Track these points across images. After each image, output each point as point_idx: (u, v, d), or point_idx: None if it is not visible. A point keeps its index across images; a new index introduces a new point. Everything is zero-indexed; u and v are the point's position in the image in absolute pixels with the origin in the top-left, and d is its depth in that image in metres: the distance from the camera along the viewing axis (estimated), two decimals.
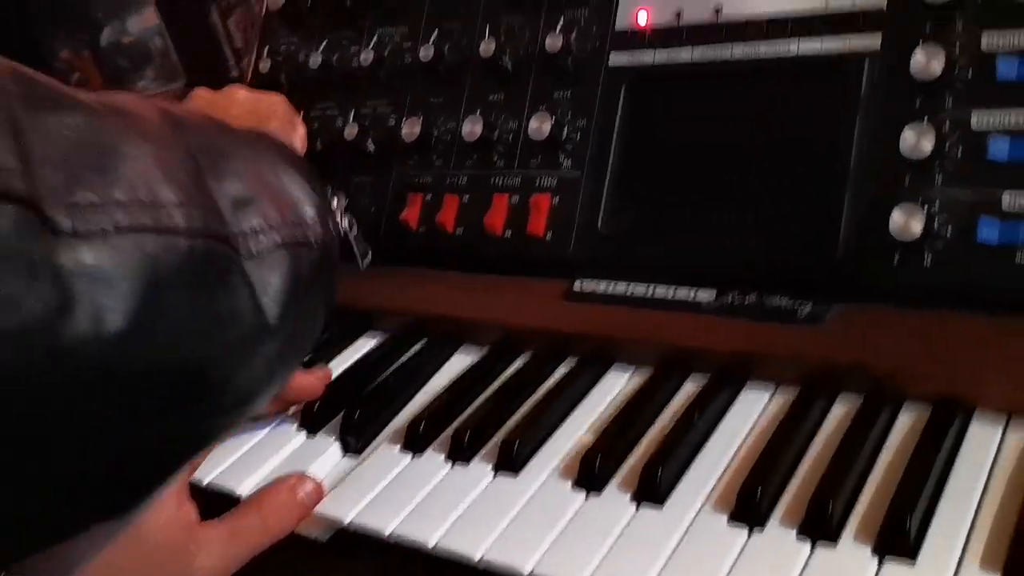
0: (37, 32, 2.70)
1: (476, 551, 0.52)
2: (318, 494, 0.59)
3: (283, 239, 0.42)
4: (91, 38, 3.16)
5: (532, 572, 0.50)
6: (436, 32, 0.81)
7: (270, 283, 0.40)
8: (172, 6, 3.22)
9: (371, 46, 0.84)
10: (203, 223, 0.38)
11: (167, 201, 0.36)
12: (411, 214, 0.80)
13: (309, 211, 0.45)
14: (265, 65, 0.90)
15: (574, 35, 0.74)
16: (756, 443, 0.55)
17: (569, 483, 0.56)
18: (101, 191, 0.34)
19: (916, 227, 0.56)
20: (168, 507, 0.52)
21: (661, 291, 0.66)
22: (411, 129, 0.80)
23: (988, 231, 0.55)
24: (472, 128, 0.77)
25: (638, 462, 0.55)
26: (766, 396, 0.59)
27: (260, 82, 0.92)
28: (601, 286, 0.69)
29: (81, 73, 3.12)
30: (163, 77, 3.54)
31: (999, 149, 0.55)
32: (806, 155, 0.63)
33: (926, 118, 0.58)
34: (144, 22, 3.33)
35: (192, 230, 0.37)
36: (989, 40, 0.57)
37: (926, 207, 0.57)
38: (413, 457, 0.61)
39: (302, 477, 0.60)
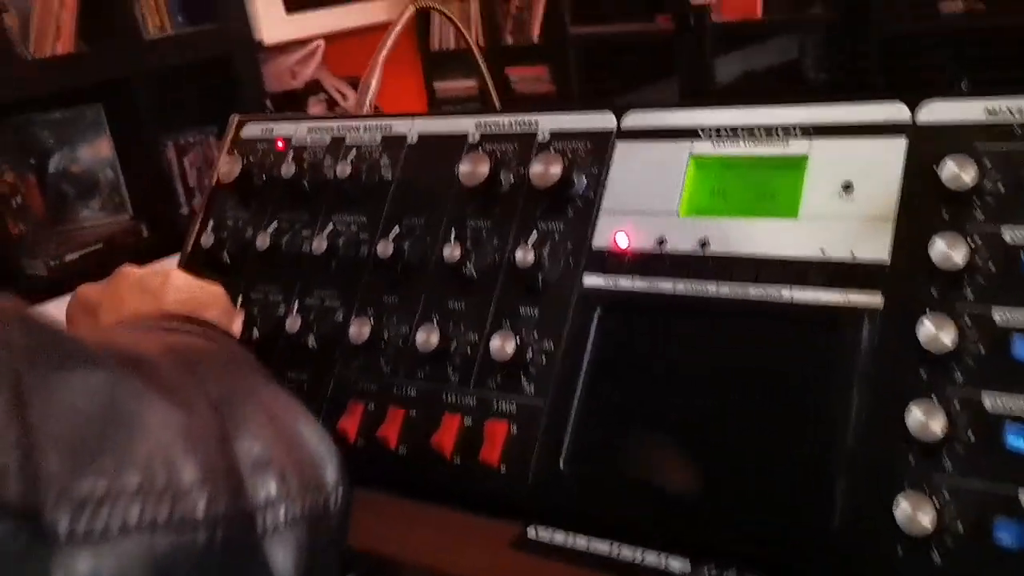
0: None
1: None
2: None
3: (302, 511, 0.40)
4: (38, 163, 3.09)
5: None
6: (397, 228, 0.75)
7: (286, 562, 0.38)
8: (127, 139, 3.18)
9: (325, 233, 0.78)
10: (224, 504, 0.35)
11: (187, 483, 0.34)
12: (350, 423, 0.72)
13: (331, 474, 0.43)
14: (208, 239, 0.83)
15: (547, 249, 0.69)
16: None
17: None
18: (112, 476, 0.32)
19: (924, 520, 0.50)
20: None
21: (627, 552, 0.58)
22: (359, 329, 0.73)
23: (1005, 534, 0.48)
24: (427, 337, 0.70)
25: None
26: None
27: (201, 256, 0.85)
28: (558, 536, 0.61)
29: (24, 198, 3.04)
30: (108, 209, 3.46)
31: (1017, 439, 0.50)
32: (797, 413, 0.57)
33: (934, 395, 0.52)
34: (96, 152, 3.28)
35: (212, 518, 0.34)
36: (1003, 316, 0.53)
37: (935, 497, 0.51)
38: None
39: None
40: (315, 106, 3.41)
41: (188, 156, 3.13)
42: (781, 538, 0.55)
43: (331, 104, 3.41)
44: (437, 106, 3.48)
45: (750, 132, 0.64)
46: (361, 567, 0.65)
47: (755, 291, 0.61)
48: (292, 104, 3.28)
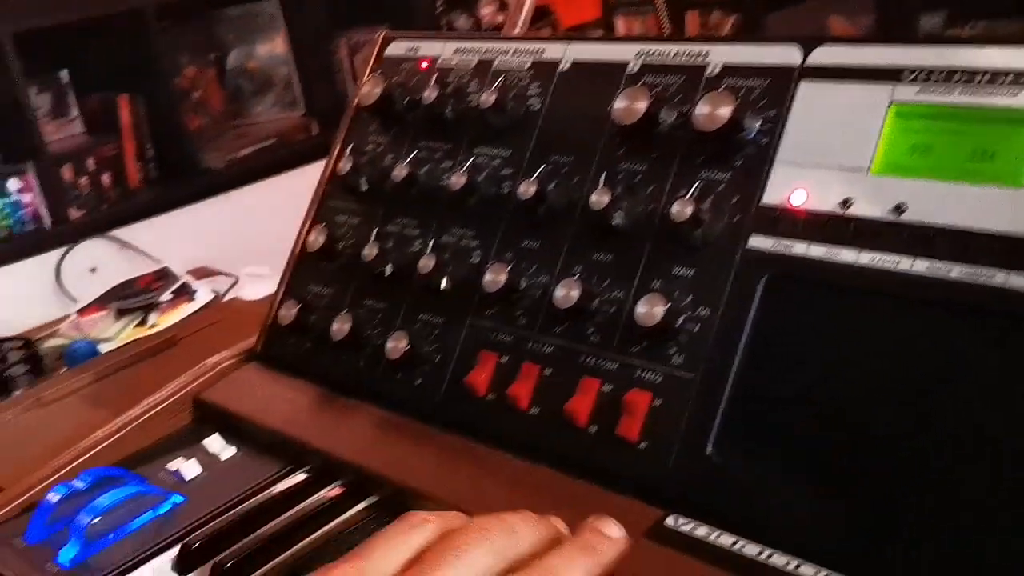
0: (160, 46, 2.70)
1: None
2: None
3: None
4: (217, 59, 3.17)
5: None
6: (543, 167, 0.68)
7: None
8: (302, 37, 3.21)
9: (465, 167, 0.72)
10: None
11: None
12: (480, 376, 0.67)
13: None
14: (346, 165, 0.78)
15: (708, 202, 0.60)
16: None
17: None
18: None
19: None
20: None
21: (780, 560, 0.51)
22: (496, 275, 0.67)
23: None
24: (567, 292, 0.63)
25: None
26: None
27: (338, 182, 0.80)
28: (700, 531, 0.54)
29: (203, 92, 3.13)
30: (281, 105, 3.53)
31: None
32: (1001, 429, 0.47)
33: None
34: (272, 49, 3.33)
35: None
36: None
37: None
38: None
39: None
40: (487, 5, 3.33)
41: (359, 54, 3.13)
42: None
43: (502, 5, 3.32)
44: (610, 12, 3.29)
45: (969, 77, 0.53)
46: None
47: (959, 271, 0.50)
48: (462, 4, 3.21)
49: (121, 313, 2.49)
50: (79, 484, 0.70)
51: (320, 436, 0.71)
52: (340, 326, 0.74)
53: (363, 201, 0.79)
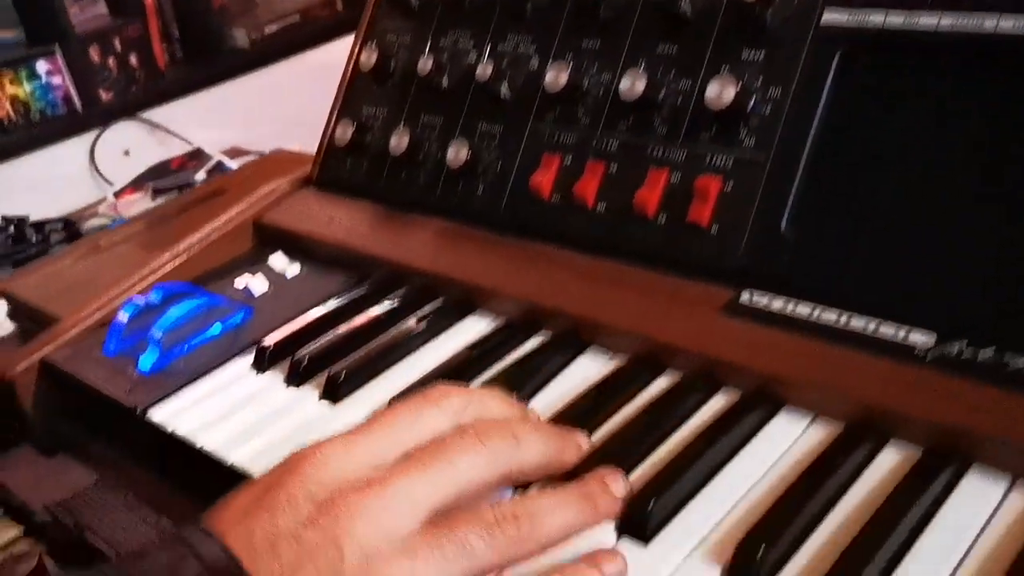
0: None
1: None
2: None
3: None
4: None
5: None
6: None
7: None
8: None
9: None
10: None
11: None
12: (544, 179, 0.66)
13: None
14: None
15: None
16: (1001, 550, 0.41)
17: (717, 571, 0.42)
18: None
19: None
20: None
21: (858, 323, 0.51)
22: (557, 76, 0.66)
23: None
24: (633, 84, 0.62)
25: (823, 554, 0.42)
26: (999, 490, 0.44)
27: (385, 2, 0.79)
28: (777, 303, 0.54)
29: None
30: None
31: None
32: None
33: None
34: None
35: None
36: None
37: None
38: None
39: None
40: None
41: None
42: None
43: None
44: None
45: None
46: (557, 328, 0.61)
47: None
48: None
49: (157, 194, 2.50)
50: (152, 297, 0.71)
51: (385, 246, 0.72)
52: (399, 141, 0.74)
53: (414, 17, 0.78)
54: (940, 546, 0.42)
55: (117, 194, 2.48)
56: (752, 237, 0.57)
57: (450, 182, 0.72)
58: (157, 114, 2.69)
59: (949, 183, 0.51)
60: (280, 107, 2.50)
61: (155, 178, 2.51)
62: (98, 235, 1.08)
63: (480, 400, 0.48)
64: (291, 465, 0.42)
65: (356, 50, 0.80)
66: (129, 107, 2.59)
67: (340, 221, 0.76)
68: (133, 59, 2.64)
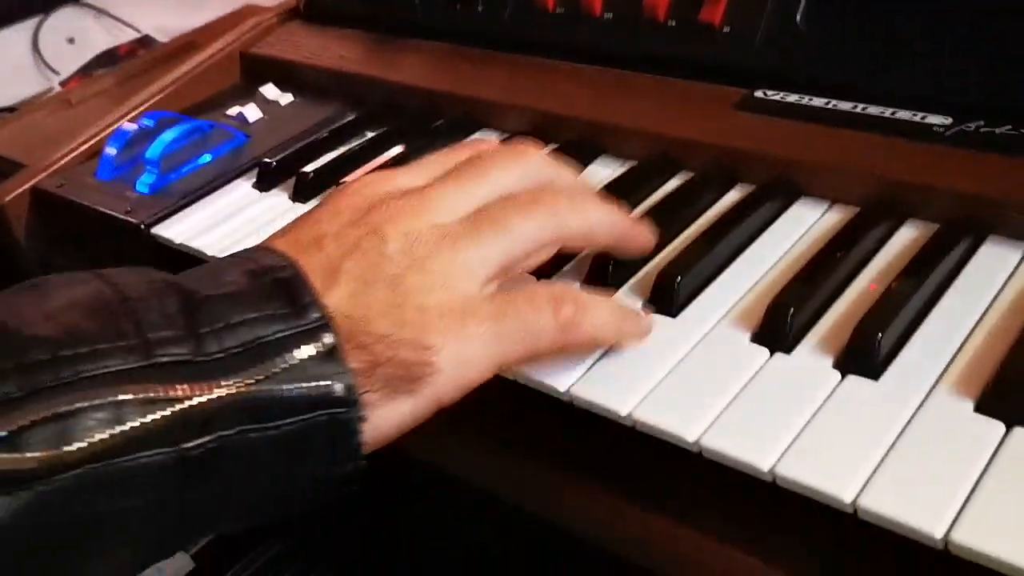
0: None
1: (623, 407, 0.40)
2: None
3: None
4: None
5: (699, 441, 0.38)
6: None
7: None
8: None
9: None
10: None
11: None
12: None
13: None
14: None
15: None
16: (1007, 321, 0.42)
17: (746, 335, 0.43)
18: None
19: None
20: None
21: (875, 110, 0.51)
22: None
23: None
24: None
25: (841, 322, 0.43)
26: (1016, 256, 0.45)
27: None
28: (792, 97, 0.54)
29: None
30: None
31: None
32: None
33: None
34: None
35: None
36: None
37: None
38: None
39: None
40: None
41: None
42: None
43: None
44: None
45: None
46: (571, 137, 0.61)
47: None
48: None
49: None
50: (145, 122, 0.69)
51: (381, 69, 0.70)
52: None
53: None
54: (959, 307, 0.43)
55: (63, 83, 2.39)
56: (766, 34, 0.56)
57: (448, 3, 0.70)
58: (102, 0, 2.59)
59: None
60: None
61: (103, 66, 2.42)
62: (66, 91, 1.04)
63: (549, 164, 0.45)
64: (338, 189, 0.42)
65: None
66: None
67: (332, 49, 0.74)
68: None
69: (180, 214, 0.61)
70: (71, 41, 2.54)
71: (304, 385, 0.33)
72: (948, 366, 0.39)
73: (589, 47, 0.63)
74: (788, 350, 0.42)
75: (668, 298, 0.45)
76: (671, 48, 0.60)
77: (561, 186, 0.44)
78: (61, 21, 2.51)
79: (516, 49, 0.66)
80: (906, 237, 0.48)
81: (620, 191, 0.55)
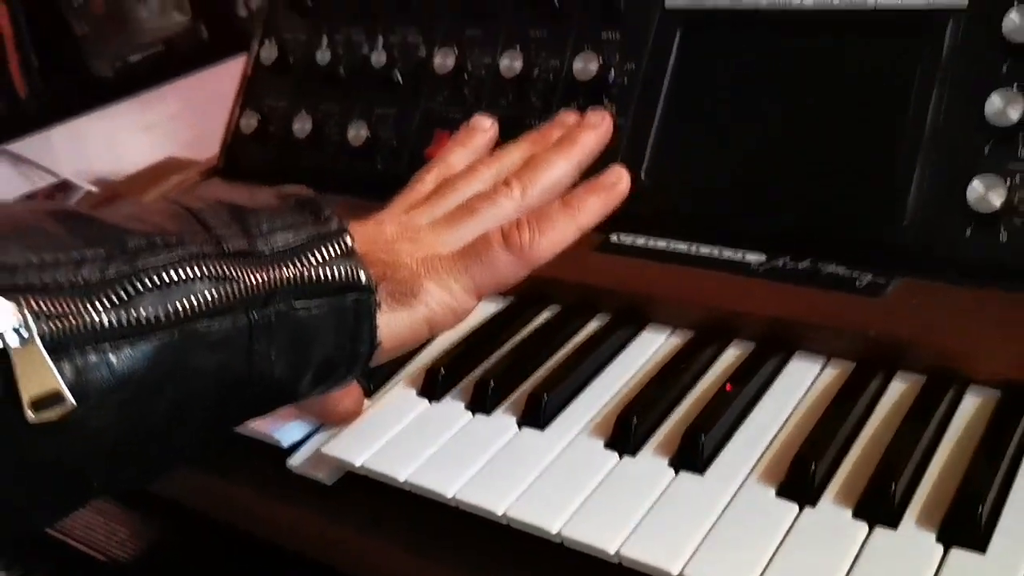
0: None
1: (499, 505, 0.48)
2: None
3: None
4: None
5: (561, 532, 0.46)
6: None
7: None
8: None
9: None
10: None
11: None
12: (437, 151, 0.75)
13: None
14: None
15: None
16: (807, 416, 0.52)
17: (600, 442, 0.52)
18: None
19: (996, 200, 0.53)
20: None
21: (706, 250, 0.62)
22: (444, 60, 0.75)
23: None
24: (511, 64, 0.72)
25: (676, 427, 0.52)
26: (816, 368, 0.55)
27: (283, 4, 0.87)
28: (640, 240, 0.65)
29: None
30: (167, 8, 3.44)
31: None
32: (875, 115, 0.59)
33: (1016, 84, 0.54)
34: None
35: None
36: None
37: (1008, 179, 0.53)
38: (431, 403, 0.57)
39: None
40: None
41: None
42: (855, 225, 0.58)
43: None
44: None
45: None
46: None
47: (840, 0, 0.61)
48: None
49: None
50: None
51: None
52: (302, 125, 0.82)
53: (309, 15, 0.86)
54: (772, 410, 0.53)
55: None
56: None
57: (352, 160, 0.80)
58: (18, 147, 2.64)
59: (766, 134, 0.63)
60: (147, 138, 2.50)
61: None
62: None
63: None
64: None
65: (256, 48, 0.87)
66: None
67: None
68: None
69: None
70: None
71: (334, 272, 0.44)
72: (759, 459, 0.49)
73: None
74: (633, 453, 0.51)
75: (536, 415, 0.54)
76: None
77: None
78: None
79: None
80: (731, 355, 0.58)
81: (500, 323, 0.64)
